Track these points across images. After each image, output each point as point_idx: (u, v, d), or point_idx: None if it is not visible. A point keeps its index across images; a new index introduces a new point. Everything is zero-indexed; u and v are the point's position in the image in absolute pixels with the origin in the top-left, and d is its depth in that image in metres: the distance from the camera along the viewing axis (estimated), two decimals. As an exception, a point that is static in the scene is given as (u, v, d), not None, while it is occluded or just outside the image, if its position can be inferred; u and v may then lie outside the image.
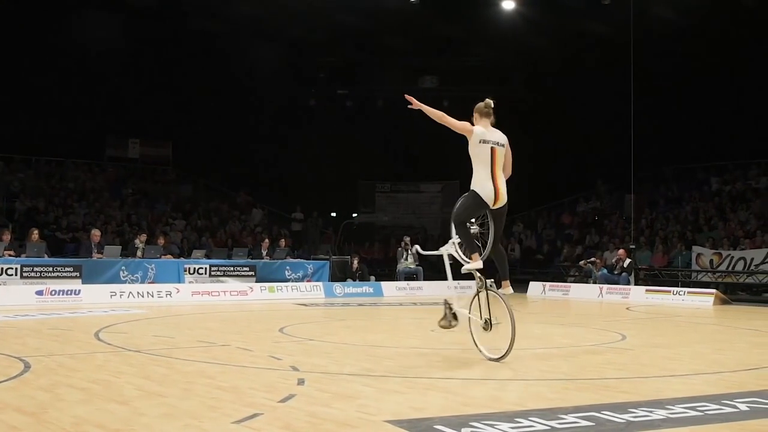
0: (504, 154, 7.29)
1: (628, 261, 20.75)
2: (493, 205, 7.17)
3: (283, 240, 22.37)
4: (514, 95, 29.36)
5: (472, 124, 7.35)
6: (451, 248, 8.00)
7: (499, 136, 7.31)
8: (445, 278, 8.20)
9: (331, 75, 31.77)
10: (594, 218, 29.13)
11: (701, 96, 27.42)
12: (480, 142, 7.17)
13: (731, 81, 27.12)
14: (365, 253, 28.30)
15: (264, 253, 20.79)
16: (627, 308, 17.25)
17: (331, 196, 32.41)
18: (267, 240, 21.58)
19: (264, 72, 29.49)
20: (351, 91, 31.90)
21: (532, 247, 28.63)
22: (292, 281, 20.06)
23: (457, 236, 7.71)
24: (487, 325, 7.60)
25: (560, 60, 29.15)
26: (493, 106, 7.39)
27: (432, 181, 31.90)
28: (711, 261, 21.73)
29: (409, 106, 7.38)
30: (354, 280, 21.28)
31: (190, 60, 28.89)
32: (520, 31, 27.40)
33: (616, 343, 10.10)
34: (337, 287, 20.32)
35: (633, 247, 22.19)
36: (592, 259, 22.24)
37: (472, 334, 8.19)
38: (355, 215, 33.50)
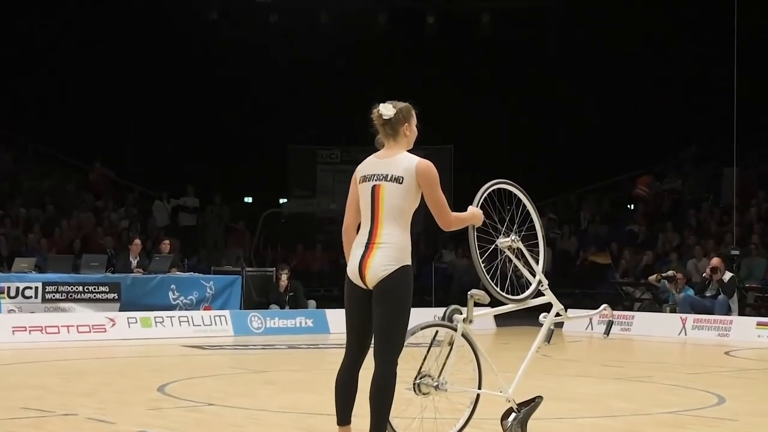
0: (407, 192, 6.89)
1: (727, 276, 21.02)
2: (366, 284, 6.95)
3: (166, 242, 22.31)
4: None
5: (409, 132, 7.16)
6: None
7: (395, 166, 6.92)
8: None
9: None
10: (672, 206, 29.45)
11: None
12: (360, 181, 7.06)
13: None
14: (300, 262, 28.29)
15: (134, 262, 20.72)
16: (726, 352, 17.50)
17: (243, 171, 32.33)
18: (138, 241, 21.52)
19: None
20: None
21: (571, 253, 28.85)
22: (181, 308, 20.07)
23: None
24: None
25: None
26: (390, 114, 6.96)
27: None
28: None
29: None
30: (282, 307, 21.32)
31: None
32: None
33: (708, 410, 10.28)
34: (255, 318, 20.34)
35: (736, 253, 22.47)
36: (670, 272, 22.50)
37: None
38: (283, 201, 33.42)
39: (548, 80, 31.88)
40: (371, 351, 6.91)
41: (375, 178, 6.96)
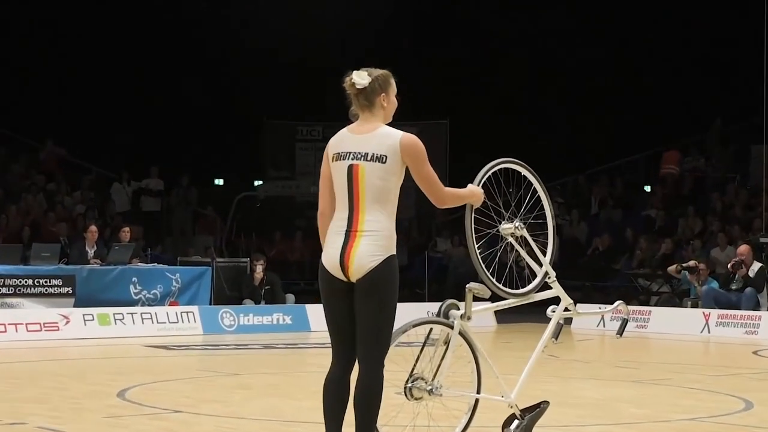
0: (389, 172, 6.81)
1: (756, 267, 20.99)
2: (348, 277, 6.89)
3: (126, 229, 22.23)
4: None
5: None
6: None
7: (377, 142, 6.83)
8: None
9: None
10: (694, 188, 29.43)
11: None
12: (333, 159, 6.95)
13: None
14: (277, 252, 28.23)
15: (90, 252, 20.67)
16: (754, 352, 17.52)
17: (212, 150, 32.18)
18: (94, 229, 21.44)
19: None
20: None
21: (580, 241, 28.87)
22: (144, 304, 20.03)
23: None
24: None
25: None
26: (364, 83, 6.82)
27: (399, 120, 31.85)
28: None
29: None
30: (257, 302, 21.30)
31: None
32: None
33: (733, 417, 10.24)
34: (226, 315, 20.31)
35: (766, 240, 22.45)
36: (691, 263, 22.45)
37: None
38: (258, 183, 33.34)
39: (555, 49, 31.89)
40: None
41: (351, 156, 6.83)
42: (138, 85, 31.38)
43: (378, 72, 6.94)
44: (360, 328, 6.74)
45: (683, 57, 31.17)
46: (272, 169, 33.41)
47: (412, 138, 6.83)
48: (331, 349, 6.85)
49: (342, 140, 6.91)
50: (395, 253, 6.80)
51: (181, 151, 31.36)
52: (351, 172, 6.80)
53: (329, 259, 6.80)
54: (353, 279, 6.74)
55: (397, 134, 6.82)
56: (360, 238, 6.73)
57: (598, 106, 31.47)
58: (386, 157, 6.77)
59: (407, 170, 6.91)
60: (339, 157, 6.86)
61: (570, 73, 31.84)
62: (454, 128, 32.01)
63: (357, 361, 6.77)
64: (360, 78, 6.86)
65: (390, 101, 6.95)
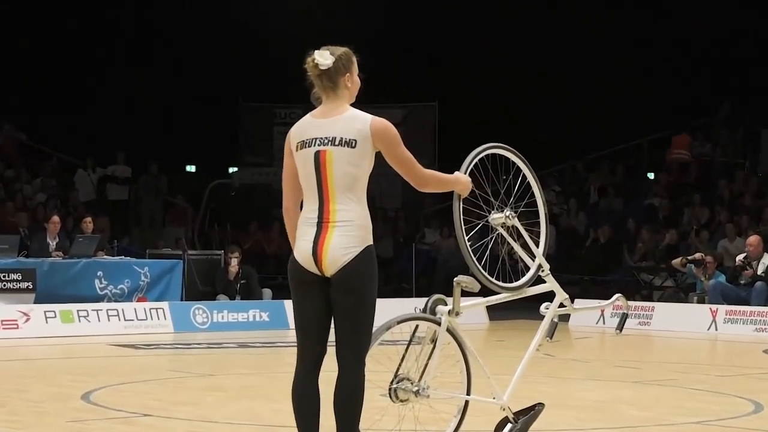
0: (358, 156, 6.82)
1: (766, 259, 21.11)
2: (322, 271, 6.88)
3: (88, 219, 22.26)
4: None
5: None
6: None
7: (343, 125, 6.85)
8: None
9: None
10: (700, 175, 29.51)
11: None
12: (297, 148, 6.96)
13: None
14: (254, 244, 28.28)
15: (52, 244, 20.69)
16: (764, 351, 17.57)
17: (184, 134, 32.17)
18: (56, 219, 21.45)
19: None
20: None
21: (578, 231, 28.97)
22: (110, 300, 20.02)
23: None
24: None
25: None
26: (328, 63, 6.80)
27: (384, 102, 31.79)
28: None
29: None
30: (232, 298, 21.37)
31: None
32: None
33: (742, 420, 10.30)
34: (199, 312, 20.34)
35: (776, 232, 22.54)
36: (697, 255, 22.51)
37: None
38: (233, 170, 33.33)
39: (553, 26, 31.91)
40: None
41: (317, 142, 6.82)
42: (104, 65, 31.32)
43: (340, 50, 6.91)
44: (338, 327, 6.78)
45: (689, 39, 31.14)
46: (248, 155, 33.41)
47: (383, 121, 6.83)
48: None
49: (305, 127, 6.91)
50: (371, 243, 6.82)
51: (150, 135, 31.29)
52: (318, 159, 6.79)
53: (301, 251, 6.80)
54: (327, 273, 6.75)
55: (366, 117, 6.82)
56: (333, 229, 6.73)
57: (596, 87, 31.46)
58: (356, 141, 6.75)
59: (378, 156, 6.90)
60: (303, 144, 6.85)
61: (567, 50, 31.85)
62: (444, 111, 32.06)
63: (336, 361, 6.80)
64: (323, 58, 6.83)
65: (354, 81, 6.94)
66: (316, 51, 6.86)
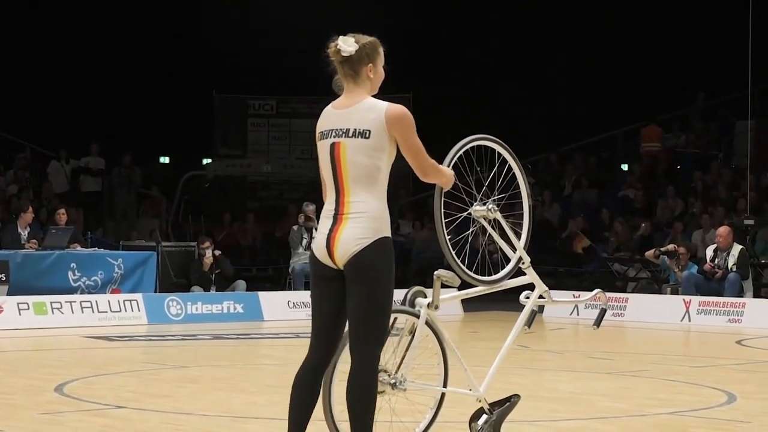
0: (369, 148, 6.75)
1: (738, 250, 21.06)
2: (335, 263, 6.83)
3: (62, 211, 22.17)
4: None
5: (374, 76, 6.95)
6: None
7: (361, 115, 6.77)
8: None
9: None
10: (673, 166, 29.52)
11: None
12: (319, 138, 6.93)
13: None
14: (228, 236, 28.22)
15: (24, 235, 20.62)
16: (738, 341, 17.61)
17: (158, 125, 32.10)
18: (30, 210, 21.39)
19: None
20: None
21: (553, 224, 28.99)
22: (83, 291, 19.98)
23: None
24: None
25: None
26: (351, 50, 6.73)
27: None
28: None
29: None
30: (206, 290, 21.36)
31: None
32: None
33: (716, 411, 10.32)
34: (173, 303, 20.32)
35: (750, 222, 22.55)
36: (670, 246, 22.60)
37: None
38: (207, 162, 33.25)
39: (524, 16, 31.91)
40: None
41: (333, 134, 6.77)
42: (78, 56, 31.18)
43: (366, 39, 6.83)
44: (350, 320, 6.70)
45: (663, 27, 31.22)
46: (222, 146, 33.31)
47: (399, 108, 6.75)
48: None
49: (325, 118, 6.86)
50: (389, 235, 6.74)
51: (124, 126, 31.18)
52: (333, 151, 6.74)
53: (317, 244, 6.78)
54: (340, 265, 6.69)
55: (382, 106, 6.74)
56: (346, 221, 6.67)
57: (570, 79, 31.50)
58: (370, 132, 6.68)
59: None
60: (322, 136, 6.82)
61: (540, 43, 31.85)
62: (418, 103, 32.01)
63: (350, 354, 6.73)
64: (346, 45, 6.74)
65: (377, 72, 6.86)
66: (340, 37, 6.77)
